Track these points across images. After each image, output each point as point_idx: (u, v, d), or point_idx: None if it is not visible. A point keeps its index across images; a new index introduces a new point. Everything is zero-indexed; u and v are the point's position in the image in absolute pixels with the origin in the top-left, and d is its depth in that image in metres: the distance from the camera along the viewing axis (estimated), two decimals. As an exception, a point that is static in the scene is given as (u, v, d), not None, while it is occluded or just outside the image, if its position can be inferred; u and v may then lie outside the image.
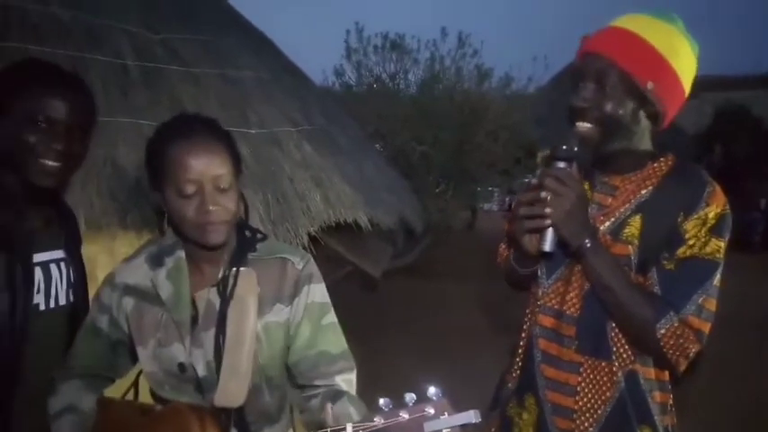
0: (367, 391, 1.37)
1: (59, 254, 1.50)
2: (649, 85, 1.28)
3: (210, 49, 3.61)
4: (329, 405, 1.14)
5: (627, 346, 1.32)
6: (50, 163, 1.38)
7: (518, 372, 1.47)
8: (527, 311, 1.48)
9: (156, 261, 1.35)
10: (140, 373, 1.48)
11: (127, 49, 3.16)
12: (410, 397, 0.92)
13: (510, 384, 1.49)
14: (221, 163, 1.24)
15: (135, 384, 1.52)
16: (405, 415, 0.91)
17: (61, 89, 1.40)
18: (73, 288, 1.52)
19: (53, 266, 1.47)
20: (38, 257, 1.44)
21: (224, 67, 3.57)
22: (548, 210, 1.24)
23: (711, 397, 3.17)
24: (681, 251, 1.27)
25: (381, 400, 0.93)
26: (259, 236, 1.39)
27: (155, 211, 1.39)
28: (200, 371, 1.29)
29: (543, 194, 1.25)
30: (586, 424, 1.33)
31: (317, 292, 1.35)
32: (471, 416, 0.89)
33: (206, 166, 1.22)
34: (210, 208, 1.22)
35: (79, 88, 1.45)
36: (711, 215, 1.26)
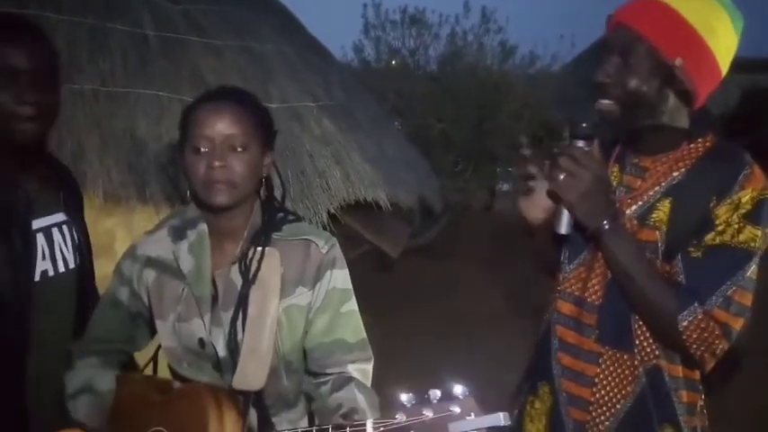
0: (380, 372, 1.35)
1: (60, 217, 1.47)
2: (678, 61, 1.19)
3: (232, 20, 3.55)
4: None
5: (651, 340, 1.25)
6: (25, 115, 1.31)
7: (534, 358, 1.43)
8: (551, 298, 1.43)
9: (179, 234, 1.34)
10: (159, 348, 1.47)
11: (147, 19, 3.12)
12: (434, 394, 0.88)
13: (532, 373, 1.44)
14: (239, 125, 1.25)
15: (154, 360, 1.51)
16: (429, 413, 0.87)
17: (16, 37, 1.33)
18: (79, 250, 1.50)
19: (55, 230, 1.45)
20: (38, 223, 1.41)
21: (246, 40, 3.51)
22: (552, 187, 1.21)
23: (731, 396, 3.10)
24: (709, 238, 1.18)
25: (404, 396, 0.90)
26: (290, 217, 1.37)
27: (173, 184, 1.38)
28: (220, 350, 1.28)
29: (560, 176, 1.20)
30: (603, 417, 1.28)
31: (340, 277, 1.33)
32: (500, 418, 0.85)
33: (222, 125, 1.24)
34: (217, 163, 1.22)
35: (34, 33, 1.38)
36: (746, 199, 1.17)
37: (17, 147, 1.36)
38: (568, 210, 1.22)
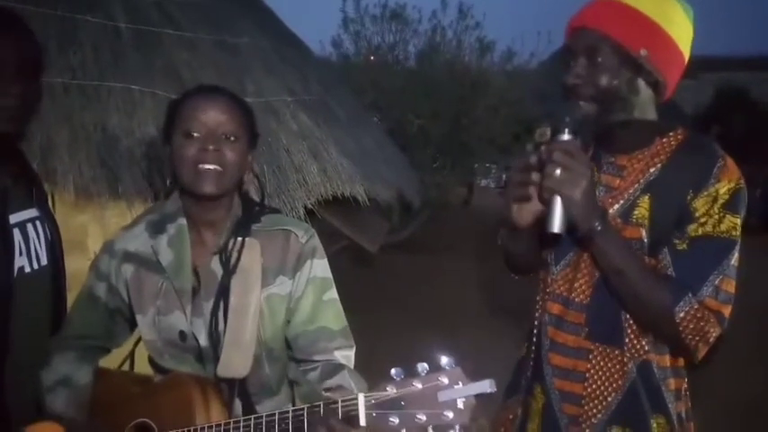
0: (361, 367, 1.35)
1: (33, 212, 1.46)
2: (643, 52, 1.23)
3: (207, 13, 3.51)
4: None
5: (641, 336, 1.27)
6: (6, 104, 1.30)
7: (530, 360, 1.43)
8: (537, 298, 1.43)
9: (158, 228, 1.34)
10: (136, 344, 1.48)
11: (119, 11, 3.07)
12: (423, 366, 0.91)
13: (529, 373, 1.44)
14: (231, 114, 1.27)
15: (131, 356, 1.51)
16: (418, 384, 0.90)
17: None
18: (51, 246, 1.49)
19: (29, 226, 1.44)
20: (15, 218, 1.40)
21: (221, 33, 3.48)
22: (548, 183, 1.14)
23: (711, 386, 3.17)
24: (692, 229, 1.21)
25: (393, 370, 0.92)
26: (267, 209, 1.39)
27: (146, 179, 1.36)
28: (202, 340, 1.29)
29: (550, 169, 1.14)
30: (595, 410, 1.30)
31: (320, 266, 1.35)
32: (486, 385, 0.88)
33: (215, 112, 1.25)
34: (211, 147, 1.23)
35: (15, 23, 1.37)
36: (723, 191, 1.20)
37: None
38: (566, 205, 1.15)
